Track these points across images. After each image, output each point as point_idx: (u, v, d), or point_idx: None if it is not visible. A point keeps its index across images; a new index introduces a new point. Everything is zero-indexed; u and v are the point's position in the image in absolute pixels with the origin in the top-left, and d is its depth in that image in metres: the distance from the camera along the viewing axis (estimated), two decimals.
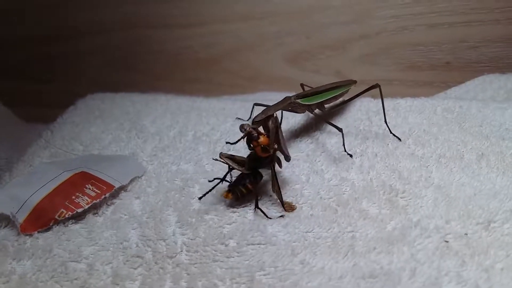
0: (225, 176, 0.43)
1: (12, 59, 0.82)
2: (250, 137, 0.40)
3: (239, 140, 0.40)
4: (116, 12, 0.75)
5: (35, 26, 0.79)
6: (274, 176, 0.41)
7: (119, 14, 0.75)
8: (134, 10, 0.74)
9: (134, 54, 0.78)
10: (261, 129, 0.43)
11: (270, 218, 0.40)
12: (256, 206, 0.40)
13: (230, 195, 0.41)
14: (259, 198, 0.41)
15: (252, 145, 0.40)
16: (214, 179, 0.43)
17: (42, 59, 0.81)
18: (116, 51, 0.78)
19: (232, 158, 0.42)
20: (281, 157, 0.42)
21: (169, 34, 0.75)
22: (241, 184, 0.41)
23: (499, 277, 0.32)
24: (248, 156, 0.42)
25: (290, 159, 0.42)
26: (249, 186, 0.41)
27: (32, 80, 0.83)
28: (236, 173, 0.43)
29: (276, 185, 0.41)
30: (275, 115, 0.43)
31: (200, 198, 0.43)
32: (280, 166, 0.43)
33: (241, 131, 0.40)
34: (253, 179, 0.41)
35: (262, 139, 0.39)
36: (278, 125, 0.41)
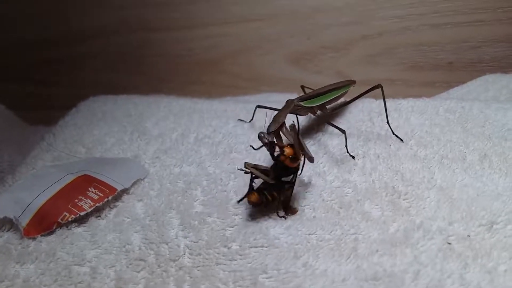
0: (250, 184, 0.42)
1: (14, 63, 0.82)
2: (275, 152, 0.40)
3: (260, 147, 0.40)
4: (118, 16, 0.75)
5: (37, 30, 0.79)
6: (294, 182, 0.41)
7: (121, 18, 0.75)
8: (136, 13, 0.74)
9: (135, 57, 0.78)
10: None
11: (284, 218, 0.40)
12: (278, 208, 0.41)
13: (256, 195, 0.40)
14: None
15: (279, 159, 0.39)
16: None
17: (44, 62, 0.81)
18: (117, 54, 0.78)
19: (256, 167, 0.41)
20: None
21: (170, 37, 0.75)
22: (267, 191, 0.41)
23: (502, 279, 0.32)
24: (273, 166, 0.41)
25: (313, 160, 0.41)
26: (275, 194, 0.41)
27: (34, 83, 0.84)
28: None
29: (291, 191, 0.41)
30: (293, 122, 0.43)
31: (238, 202, 0.43)
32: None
33: (260, 140, 0.40)
34: (278, 188, 0.41)
35: (287, 150, 0.39)
36: (297, 131, 0.41)
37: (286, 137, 0.43)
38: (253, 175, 0.41)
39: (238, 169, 0.42)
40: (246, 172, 0.41)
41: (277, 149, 0.40)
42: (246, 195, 0.41)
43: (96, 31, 0.77)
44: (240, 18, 0.71)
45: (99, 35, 0.78)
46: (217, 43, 0.74)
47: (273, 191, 0.41)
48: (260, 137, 0.40)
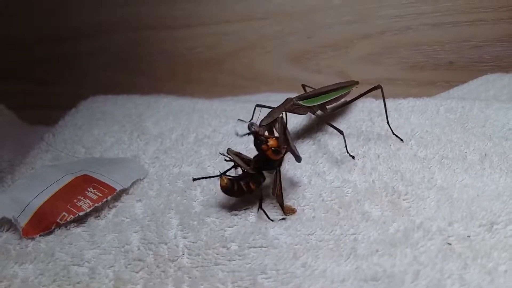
0: (226, 171, 0.42)
1: (13, 61, 0.82)
2: (259, 141, 0.40)
3: (245, 134, 0.40)
4: (117, 14, 0.75)
5: (36, 28, 0.79)
6: (279, 178, 0.40)
7: (120, 16, 0.75)
8: (135, 11, 0.74)
9: (135, 56, 0.78)
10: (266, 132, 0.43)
11: (272, 220, 0.40)
12: (260, 207, 0.40)
13: (226, 181, 0.40)
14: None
15: (262, 149, 0.39)
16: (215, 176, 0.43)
17: (43, 61, 0.81)
18: (117, 53, 0.78)
19: (238, 155, 0.41)
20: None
21: (170, 36, 0.75)
22: (243, 181, 0.40)
23: (503, 280, 0.32)
24: (255, 157, 0.41)
25: (301, 160, 0.41)
26: (252, 185, 0.41)
27: (33, 82, 0.83)
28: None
29: (279, 188, 0.40)
30: (281, 115, 0.43)
31: (194, 179, 0.44)
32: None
33: (249, 129, 0.40)
34: (256, 179, 0.41)
35: (271, 142, 0.39)
36: (285, 125, 0.41)
37: (278, 133, 0.43)
38: (235, 163, 0.41)
39: (220, 153, 0.42)
40: (226, 160, 0.41)
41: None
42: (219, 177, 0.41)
43: (96, 30, 0.77)
44: (241, 17, 0.71)
45: (99, 34, 0.77)
46: (218, 42, 0.74)
47: (251, 182, 0.40)
48: (248, 126, 0.40)
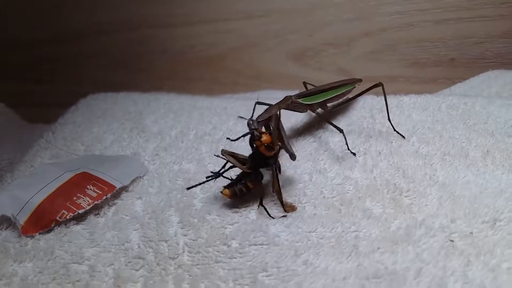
0: (222, 172, 0.42)
1: (14, 61, 0.82)
2: (252, 137, 0.39)
3: (239, 138, 0.40)
4: (118, 12, 0.75)
5: (37, 28, 0.79)
6: (276, 175, 0.40)
7: (121, 14, 0.75)
8: (135, 10, 0.74)
9: (135, 54, 0.78)
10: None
11: (273, 218, 0.39)
12: (260, 204, 0.40)
13: (228, 192, 0.40)
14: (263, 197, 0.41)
15: (255, 145, 0.39)
16: (211, 175, 0.42)
17: (44, 60, 0.81)
18: (117, 51, 0.78)
19: (233, 155, 0.41)
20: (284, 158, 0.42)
21: (170, 34, 0.75)
22: (241, 183, 0.40)
23: (506, 277, 0.32)
24: (251, 155, 0.41)
25: (295, 158, 0.41)
26: (250, 185, 0.40)
27: (33, 82, 0.83)
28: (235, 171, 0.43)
29: (277, 185, 0.40)
30: (278, 113, 0.43)
31: (188, 189, 0.43)
32: (280, 171, 0.42)
33: (248, 127, 0.40)
34: (254, 178, 0.41)
35: (264, 137, 0.39)
36: (279, 122, 0.40)
37: (272, 130, 0.42)
38: (231, 164, 0.41)
39: (215, 155, 0.41)
40: (216, 172, 0.41)
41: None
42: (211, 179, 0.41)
43: (97, 28, 0.77)
44: (241, 15, 0.71)
45: (100, 32, 0.77)
46: (218, 39, 0.74)
47: (249, 182, 0.40)
48: (248, 124, 0.40)
